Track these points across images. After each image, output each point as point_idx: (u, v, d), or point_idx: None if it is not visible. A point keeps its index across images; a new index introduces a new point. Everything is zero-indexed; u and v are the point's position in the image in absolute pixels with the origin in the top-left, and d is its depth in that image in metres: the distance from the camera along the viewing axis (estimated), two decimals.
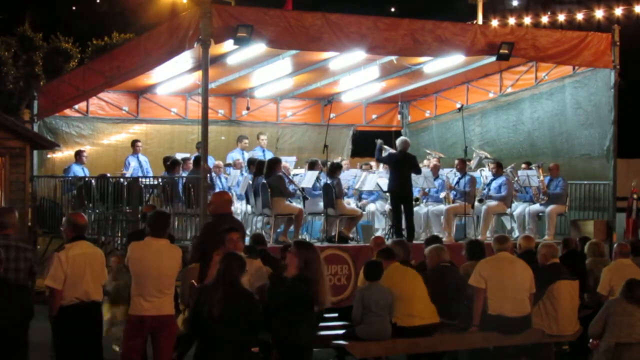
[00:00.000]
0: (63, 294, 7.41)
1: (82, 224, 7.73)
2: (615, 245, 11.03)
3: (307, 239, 12.93)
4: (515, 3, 31.67)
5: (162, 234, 7.76)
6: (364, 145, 20.57)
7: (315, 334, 8.14)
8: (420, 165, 14.88)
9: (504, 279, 9.41)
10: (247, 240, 10.17)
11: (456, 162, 15.11)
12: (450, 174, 15.22)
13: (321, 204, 13.80)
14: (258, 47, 13.17)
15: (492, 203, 14.74)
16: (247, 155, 15.91)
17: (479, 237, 13.50)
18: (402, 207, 13.77)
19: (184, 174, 14.21)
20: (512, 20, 23.98)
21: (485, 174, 15.66)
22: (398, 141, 14.37)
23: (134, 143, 16.65)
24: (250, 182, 13.98)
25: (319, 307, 7.96)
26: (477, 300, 9.47)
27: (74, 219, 7.75)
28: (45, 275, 7.54)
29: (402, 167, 13.88)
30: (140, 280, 7.62)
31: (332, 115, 16.74)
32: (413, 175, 14.18)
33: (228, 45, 13.21)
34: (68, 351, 7.50)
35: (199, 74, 13.48)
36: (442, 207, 14.70)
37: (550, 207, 14.95)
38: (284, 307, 7.64)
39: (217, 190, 13.75)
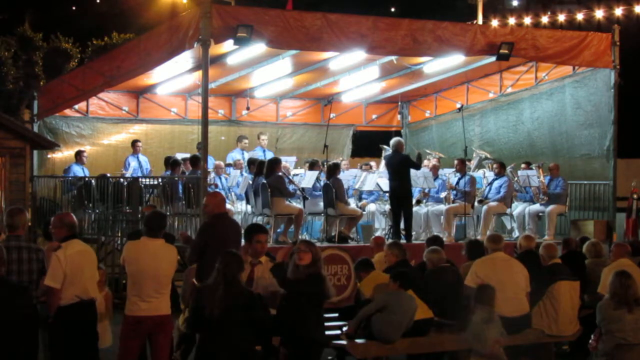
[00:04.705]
0: (62, 293, 7.41)
1: (75, 223, 7.74)
2: (613, 245, 11.02)
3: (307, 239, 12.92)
4: (515, 3, 31.66)
5: (158, 234, 7.77)
6: (364, 145, 20.61)
7: (324, 331, 8.20)
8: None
9: (501, 279, 9.40)
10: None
11: (455, 162, 15.12)
12: (450, 175, 15.24)
13: (321, 204, 13.81)
14: (258, 47, 13.18)
15: (492, 203, 14.76)
16: (247, 155, 15.91)
17: (479, 237, 13.50)
18: (400, 208, 13.77)
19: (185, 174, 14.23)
20: (512, 20, 23.98)
21: (487, 174, 15.67)
22: (391, 142, 14.38)
23: (134, 143, 16.65)
24: (250, 182, 13.99)
25: (328, 301, 8.05)
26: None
27: (67, 219, 7.74)
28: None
29: (397, 167, 13.89)
30: (137, 281, 7.61)
31: (332, 115, 16.74)
32: (413, 175, 14.19)
33: (228, 45, 13.22)
34: (66, 351, 7.50)
35: (199, 74, 13.49)
36: (442, 207, 14.71)
37: (550, 207, 14.96)
38: (297, 303, 7.67)
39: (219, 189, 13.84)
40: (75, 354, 7.51)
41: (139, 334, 7.68)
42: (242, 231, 9.02)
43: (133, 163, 16.26)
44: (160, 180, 14.52)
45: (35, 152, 15.79)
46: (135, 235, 8.93)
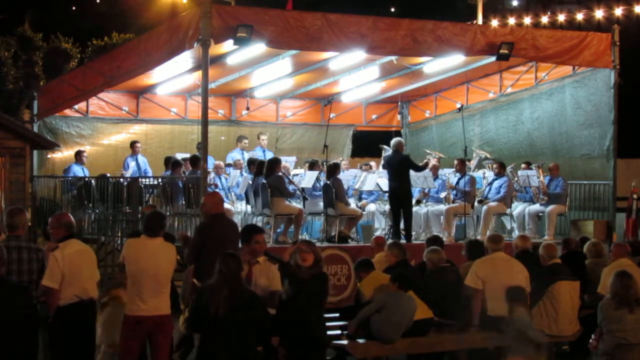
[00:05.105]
0: (61, 293, 7.40)
1: (73, 223, 7.76)
2: (613, 245, 11.02)
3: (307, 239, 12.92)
4: (515, 3, 31.66)
5: (157, 234, 7.78)
6: (364, 145, 20.61)
7: (325, 331, 8.22)
8: (421, 165, 14.87)
9: (501, 279, 9.39)
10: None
11: (455, 162, 15.12)
12: (450, 175, 15.23)
13: (321, 204, 13.81)
14: (258, 47, 13.17)
15: (492, 203, 14.76)
16: (247, 156, 15.91)
17: (479, 237, 13.50)
18: (400, 208, 13.77)
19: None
20: (512, 20, 23.96)
21: (487, 174, 15.67)
22: (392, 142, 14.38)
23: (132, 144, 16.63)
24: (250, 182, 13.99)
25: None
26: (475, 301, 9.47)
27: (65, 219, 7.75)
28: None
29: (397, 167, 13.89)
30: (137, 280, 7.62)
31: (332, 115, 16.73)
32: (413, 175, 14.19)
33: (228, 45, 13.21)
34: (66, 351, 7.49)
35: (199, 74, 13.48)
36: (442, 207, 14.71)
37: (550, 207, 14.96)
38: (298, 303, 7.68)
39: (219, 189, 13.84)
40: (75, 354, 7.51)
41: (139, 334, 7.68)
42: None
43: (132, 164, 16.25)
44: (160, 180, 14.51)
45: (35, 152, 15.76)
46: (135, 236, 8.94)
